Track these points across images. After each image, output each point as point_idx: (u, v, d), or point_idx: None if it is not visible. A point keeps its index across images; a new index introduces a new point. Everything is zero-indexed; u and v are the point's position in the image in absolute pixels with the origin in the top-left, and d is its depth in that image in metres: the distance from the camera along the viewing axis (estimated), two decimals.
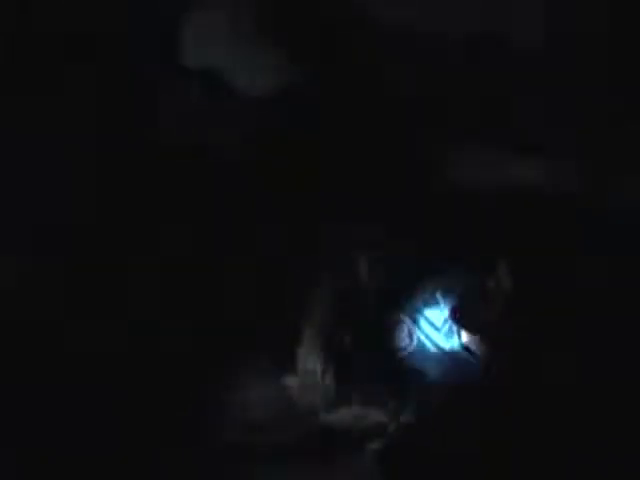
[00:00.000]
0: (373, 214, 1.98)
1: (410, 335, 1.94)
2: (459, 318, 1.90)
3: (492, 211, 1.94)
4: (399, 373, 1.92)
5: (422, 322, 1.94)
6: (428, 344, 1.93)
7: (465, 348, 1.91)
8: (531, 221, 1.92)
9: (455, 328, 1.92)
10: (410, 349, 1.93)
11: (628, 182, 1.96)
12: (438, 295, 1.94)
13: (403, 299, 1.96)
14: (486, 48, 1.99)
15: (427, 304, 1.95)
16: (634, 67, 1.95)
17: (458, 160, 2.00)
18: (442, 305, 1.94)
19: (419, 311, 1.95)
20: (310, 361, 1.90)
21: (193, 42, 2.00)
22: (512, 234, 1.91)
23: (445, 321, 1.93)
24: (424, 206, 1.98)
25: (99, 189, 1.97)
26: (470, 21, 1.99)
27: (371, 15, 2.00)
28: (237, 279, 1.94)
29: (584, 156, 1.96)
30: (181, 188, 1.97)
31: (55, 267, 1.93)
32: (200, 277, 1.94)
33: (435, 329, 1.94)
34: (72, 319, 1.90)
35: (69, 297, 1.92)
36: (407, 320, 1.95)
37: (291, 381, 1.89)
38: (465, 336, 1.91)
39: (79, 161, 1.97)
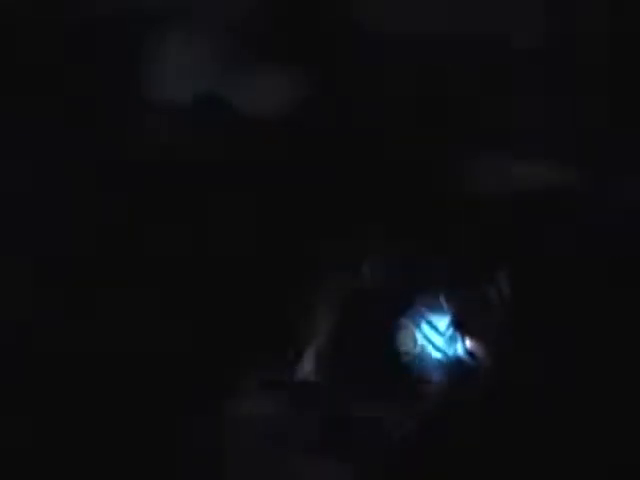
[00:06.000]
0: (377, 217, 1.99)
1: (413, 340, 1.94)
2: (461, 324, 1.91)
3: (495, 218, 1.94)
4: (402, 378, 1.92)
5: (425, 327, 1.95)
6: (431, 349, 1.94)
7: (468, 353, 1.91)
8: (533, 229, 1.92)
9: (458, 333, 1.92)
10: (413, 354, 1.94)
11: (629, 185, 1.96)
12: (441, 300, 1.95)
13: (406, 303, 1.97)
14: (484, 49, 1.99)
15: (431, 309, 1.95)
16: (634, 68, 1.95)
17: (464, 166, 2.00)
18: (445, 310, 1.94)
19: (422, 316, 1.95)
20: (311, 367, 1.91)
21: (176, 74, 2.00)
22: (514, 242, 1.92)
23: (448, 326, 1.94)
24: (429, 211, 1.99)
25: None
26: (469, 22, 1.99)
27: (370, 20, 2.00)
28: (236, 286, 1.95)
29: (584, 161, 1.96)
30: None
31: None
32: (198, 284, 1.95)
33: (438, 334, 1.94)
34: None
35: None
36: (410, 324, 1.95)
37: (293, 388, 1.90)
38: (468, 342, 1.92)
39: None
